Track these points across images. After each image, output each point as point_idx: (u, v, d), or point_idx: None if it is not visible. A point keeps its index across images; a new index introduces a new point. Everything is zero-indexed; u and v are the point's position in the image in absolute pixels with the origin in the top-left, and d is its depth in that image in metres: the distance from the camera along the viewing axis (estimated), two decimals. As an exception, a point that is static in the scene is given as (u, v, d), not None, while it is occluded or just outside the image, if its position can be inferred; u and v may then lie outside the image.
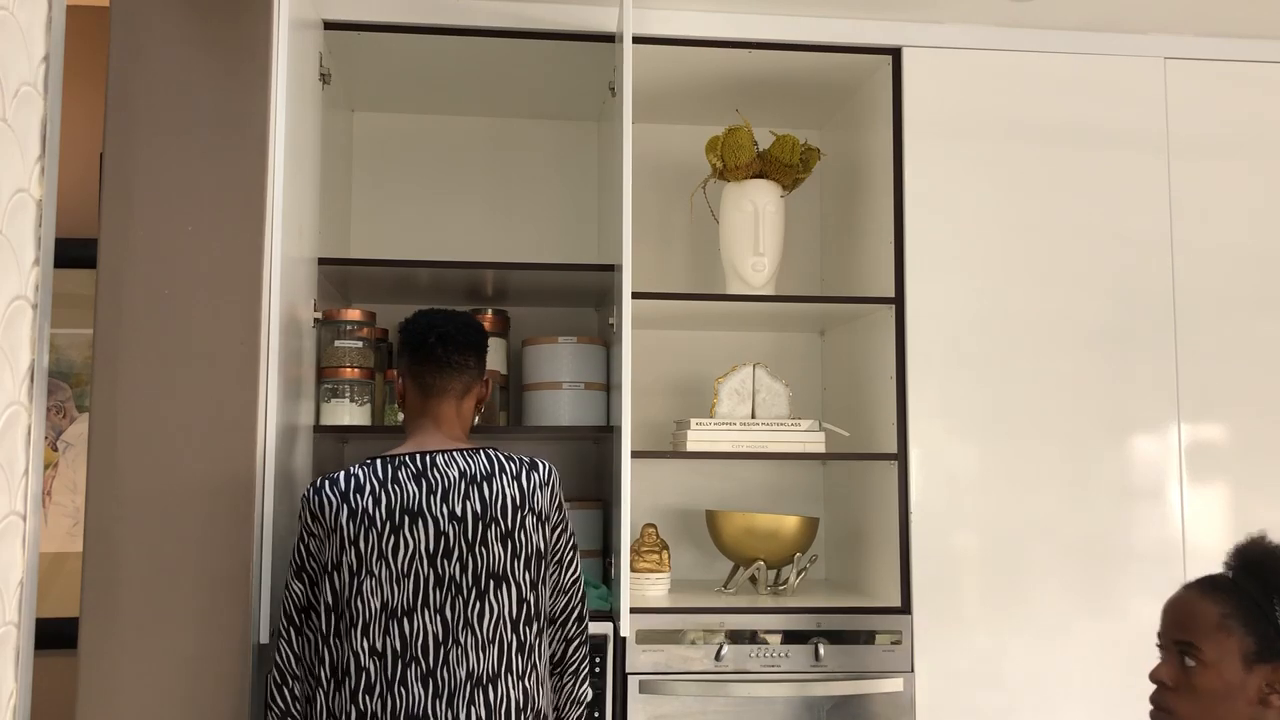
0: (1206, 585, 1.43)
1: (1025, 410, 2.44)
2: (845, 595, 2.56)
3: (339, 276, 2.53)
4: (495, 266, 2.50)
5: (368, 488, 1.82)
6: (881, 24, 2.50)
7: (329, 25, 2.39)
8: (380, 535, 1.79)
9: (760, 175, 2.62)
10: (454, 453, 1.87)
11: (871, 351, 2.61)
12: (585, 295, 2.74)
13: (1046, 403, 2.45)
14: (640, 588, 2.52)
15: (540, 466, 1.91)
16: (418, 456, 1.86)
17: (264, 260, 1.90)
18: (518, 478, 1.86)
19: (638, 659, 2.28)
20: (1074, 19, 2.50)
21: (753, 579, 2.56)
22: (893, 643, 2.35)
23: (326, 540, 1.82)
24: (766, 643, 2.32)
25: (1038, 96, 2.52)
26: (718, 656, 2.29)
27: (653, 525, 2.63)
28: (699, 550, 2.86)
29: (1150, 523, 2.45)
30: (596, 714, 2.23)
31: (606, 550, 2.50)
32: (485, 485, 1.83)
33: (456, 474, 1.84)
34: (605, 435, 2.49)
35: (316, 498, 1.83)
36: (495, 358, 2.61)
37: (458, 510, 1.81)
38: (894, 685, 2.32)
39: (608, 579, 2.47)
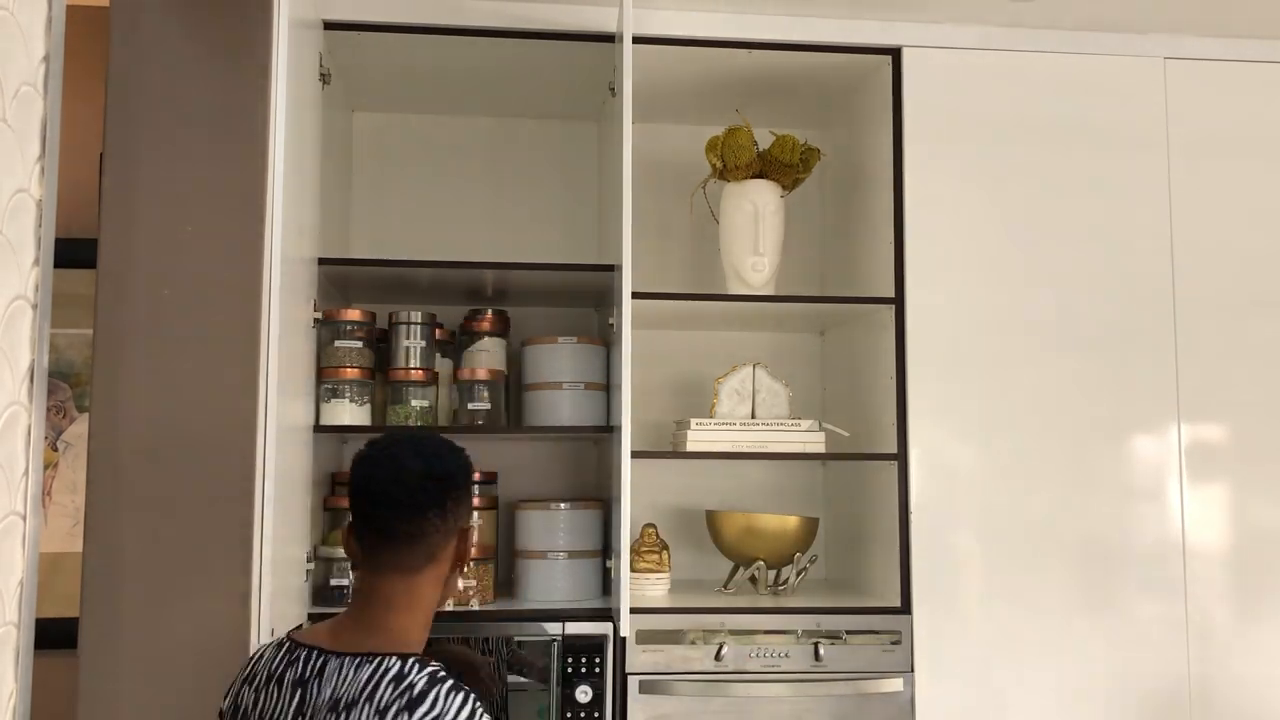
0: None
1: (1025, 410, 2.44)
2: (845, 595, 2.56)
3: (339, 276, 2.53)
4: (495, 266, 2.50)
5: (258, 679, 1.52)
6: (881, 24, 2.50)
7: (329, 25, 2.39)
8: None
9: (760, 175, 2.62)
10: (354, 658, 1.44)
11: (871, 351, 2.60)
12: (585, 295, 2.74)
13: (1046, 403, 2.45)
14: (640, 588, 2.52)
15: (435, 705, 1.36)
16: (315, 655, 1.47)
17: (264, 260, 1.90)
18: (384, 712, 1.37)
19: (638, 659, 2.28)
20: (1074, 19, 2.50)
21: (753, 579, 2.56)
22: (893, 643, 2.35)
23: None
24: (766, 643, 2.32)
25: (1038, 96, 2.52)
26: (718, 657, 2.29)
27: (653, 525, 2.63)
28: (699, 550, 2.86)
29: (1150, 523, 2.44)
30: (597, 714, 2.23)
31: (606, 551, 2.50)
32: (345, 716, 1.40)
33: (329, 694, 1.43)
34: (605, 435, 2.49)
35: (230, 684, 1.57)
36: (495, 358, 2.61)
37: None
38: (894, 685, 2.32)
39: (607, 580, 2.47)
